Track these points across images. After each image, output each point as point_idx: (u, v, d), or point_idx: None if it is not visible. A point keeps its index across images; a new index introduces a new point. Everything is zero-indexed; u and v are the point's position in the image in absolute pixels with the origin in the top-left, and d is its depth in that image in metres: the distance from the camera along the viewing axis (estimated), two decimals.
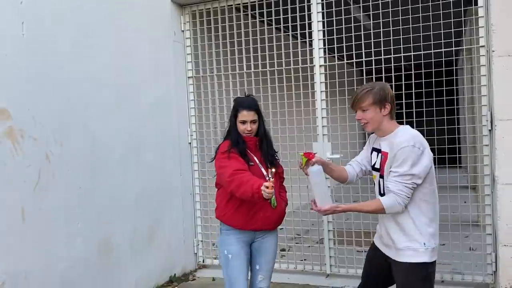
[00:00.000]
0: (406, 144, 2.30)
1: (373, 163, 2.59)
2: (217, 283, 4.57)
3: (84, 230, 3.51)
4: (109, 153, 3.81)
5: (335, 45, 4.42)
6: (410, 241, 2.38)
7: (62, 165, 3.33)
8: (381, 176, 2.47)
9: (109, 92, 3.84)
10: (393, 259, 2.45)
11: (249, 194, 2.60)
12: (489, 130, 3.89)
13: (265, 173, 2.87)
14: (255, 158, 2.92)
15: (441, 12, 4.05)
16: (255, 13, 4.64)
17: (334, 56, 4.87)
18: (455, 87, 5.40)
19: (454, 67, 5.37)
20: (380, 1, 4.20)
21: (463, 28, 4.03)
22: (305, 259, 4.65)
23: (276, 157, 3.07)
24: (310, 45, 4.43)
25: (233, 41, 4.72)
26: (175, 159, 4.71)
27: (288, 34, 4.52)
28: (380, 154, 2.49)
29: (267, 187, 2.45)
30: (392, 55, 4.20)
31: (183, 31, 4.89)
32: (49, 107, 3.25)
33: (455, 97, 5.89)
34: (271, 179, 2.51)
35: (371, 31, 4.22)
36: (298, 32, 4.42)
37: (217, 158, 2.90)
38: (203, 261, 5.00)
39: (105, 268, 3.72)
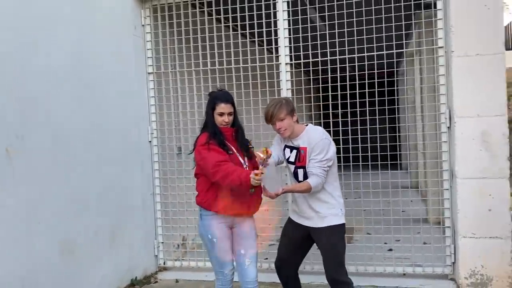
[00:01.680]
0: (320, 138, 3.01)
1: (287, 157, 3.16)
2: (181, 284, 4.46)
3: (45, 230, 3.30)
4: (70, 149, 3.61)
5: (292, 45, 4.44)
6: (331, 209, 3.07)
7: (22, 161, 3.11)
8: (300, 167, 3.08)
9: (70, 86, 3.65)
10: (316, 227, 3.09)
11: (237, 183, 2.83)
12: (448, 127, 4.08)
13: (242, 161, 3.08)
14: (232, 147, 3.09)
15: (383, 16, 4.21)
16: (219, 10, 4.60)
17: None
18: (395, 88, 5.67)
19: (395, 69, 5.60)
20: (334, 3, 4.30)
21: (404, 32, 4.19)
22: (266, 258, 4.63)
23: (251, 146, 3.25)
24: (276, 43, 4.44)
25: (195, 37, 4.63)
26: (136, 157, 4.54)
27: (254, 32, 4.49)
28: (295, 150, 3.11)
29: (256, 175, 2.74)
30: (338, 57, 4.33)
31: (143, 25, 4.74)
32: (8, 101, 3.04)
33: (396, 97, 6.16)
34: (261, 167, 2.79)
35: (324, 32, 4.31)
36: (264, 29, 4.42)
37: (197, 150, 3.04)
38: (164, 263, 4.84)
39: (66, 270, 3.51)
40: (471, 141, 3.87)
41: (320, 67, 4.47)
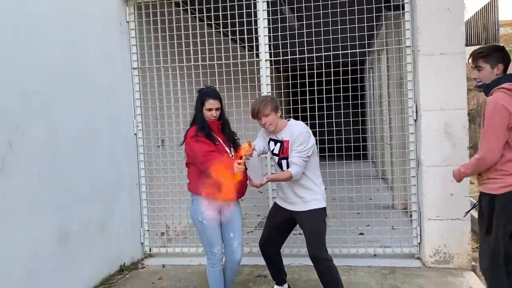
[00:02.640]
0: (301, 131, 3.32)
1: (272, 150, 3.48)
2: (167, 269, 4.70)
3: (45, 220, 3.48)
4: (66, 142, 3.80)
5: (271, 43, 4.73)
6: (313, 194, 3.40)
7: (23, 153, 3.29)
8: (283, 158, 3.38)
9: (63, 81, 3.81)
10: (300, 210, 3.40)
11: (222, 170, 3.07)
12: (415, 120, 4.45)
13: (228, 150, 3.37)
14: (219, 138, 3.39)
15: (345, 16, 4.55)
16: (202, 9, 4.82)
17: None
18: (363, 84, 6.03)
19: (358, 67, 5.97)
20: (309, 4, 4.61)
21: (375, 32, 4.56)
22: (247, 243, 4.92)
23: (236, 137, 3.55)
24: (256, 41, 4.71)
25: (178, 34, 4.85)
26: (122, 149, 4.74)
27: (235, 30, 4.75)
28: (279, 143, 3.42)
29: (239, 164, 3.03)
30: (314, 54, 4.67)
31: (128, 22, 4.92)
32: (9, 96, 3.21)
33: (362, 93, 6.53)
34: (244, 158, 3.07)
35: (301, 32, 4.61)
36: (245, 27, 4.68)
37: (187, 142, 3.35)
38: (150, 250, 5.08)
39: (63, 259, 3.71)
40: (435, 133, 4.27)
41: (289, 64, 4.75)
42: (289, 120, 3.49)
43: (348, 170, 4.95)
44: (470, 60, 3.07)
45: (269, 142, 3.51)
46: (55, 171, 3.63)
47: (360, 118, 5.69)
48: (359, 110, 5.89)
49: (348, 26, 4.54)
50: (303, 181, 3.37)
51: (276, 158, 3.47)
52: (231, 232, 3.44)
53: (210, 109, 3.34)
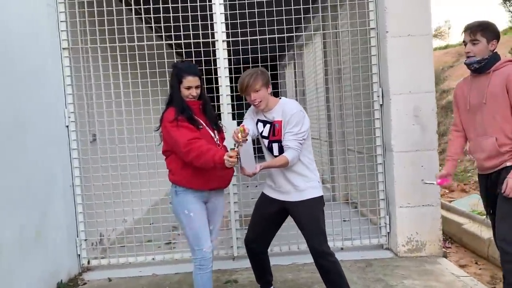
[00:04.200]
0: (296, 110, 2.93)
1: (260, 132, 3.06)
2: (115, 283, 4.01)
3: None
4: None
5: (228, 21, 4.27)
6: (309, 181, 3.00)
7: None
8: (275, 141, 2.98)
9: None
10: (295, 200, 3.00)
11: (211, 164, 2.73)
12: (381, 104, 4.29)
13: (212, 134, 2.96)
14: (201, 121, 2.95)
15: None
16: None
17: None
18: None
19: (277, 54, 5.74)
20: None
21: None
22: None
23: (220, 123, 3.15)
24: (211, 19, 4.22)
25: (119, 9, 4.18)
26: (55, 145, 3.96)
27: (186, 5, 4.20)
28: (269, 125, 3.01)
29: (230, 157, 2.63)
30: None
31: None
32: None
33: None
34: (235, 149, 2.67)
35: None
36: (198, 4, 4.17)
37: (165, 127, 2.87)
38: (88, 263, 4.31)
39: None
40: (404, 117, 4.13)
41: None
42: (280, 98, 3.07)
43: None
44: (465, 33, 2.90)
45: (257, 124, 3.08)
46: None
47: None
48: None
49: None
50: (296, 167, 2.98)
51: (266, 141, 3.05)
52: (211, 224, 3.04)
53: (189, 87, 2.89)
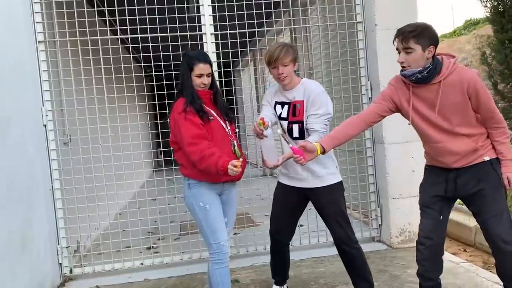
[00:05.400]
0: (319, 90, 2.83)
1: (278, 114, 2.94)
2: None
3: None
4: None
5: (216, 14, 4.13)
6: (328, 168, 2.89)
7: None
8: (295, 122, 2.84)
9: None
10: (314, 187, 2.88)
11: (213, 170, 2.62)
12: (369, 98, 4.31)
13: (224, 125, 2.83)
14: (213, 112, 2.83)
15: None
16: None
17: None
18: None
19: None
20: None
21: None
22: (183, 252, 4.23)
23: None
24: (198, 11, 4.08)
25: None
26: (34, 146, 3.66)
27: None
28: (287, 106, 2.88)
29: (235, 166, 2.53)
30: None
31: None
32: None
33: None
34: (241, 159, 2.63)
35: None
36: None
37: (173, 118, 2.76)
38: (71, 272, 4.01)
39: None
40: None
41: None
42: (302, 78, 2.96)
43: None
44: (397, 39, 2.46)
45: (275, 106, 2.95)
46: None
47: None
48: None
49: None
50: None
51: (285, 123, 2.90)
52: (226, 216, 2.89)
53: (200, 75, 2.76)
